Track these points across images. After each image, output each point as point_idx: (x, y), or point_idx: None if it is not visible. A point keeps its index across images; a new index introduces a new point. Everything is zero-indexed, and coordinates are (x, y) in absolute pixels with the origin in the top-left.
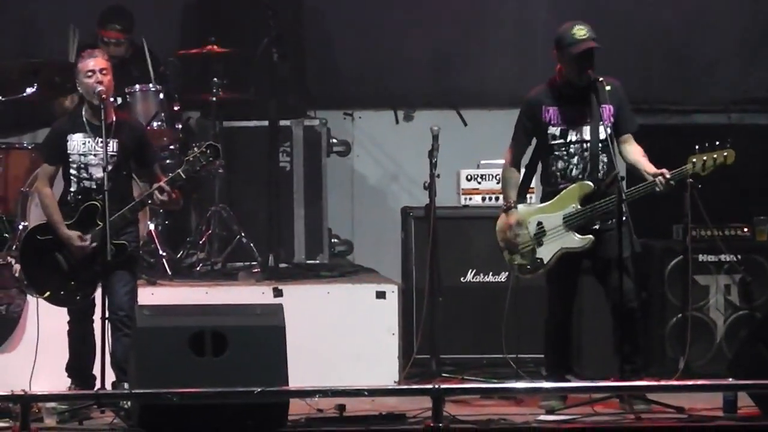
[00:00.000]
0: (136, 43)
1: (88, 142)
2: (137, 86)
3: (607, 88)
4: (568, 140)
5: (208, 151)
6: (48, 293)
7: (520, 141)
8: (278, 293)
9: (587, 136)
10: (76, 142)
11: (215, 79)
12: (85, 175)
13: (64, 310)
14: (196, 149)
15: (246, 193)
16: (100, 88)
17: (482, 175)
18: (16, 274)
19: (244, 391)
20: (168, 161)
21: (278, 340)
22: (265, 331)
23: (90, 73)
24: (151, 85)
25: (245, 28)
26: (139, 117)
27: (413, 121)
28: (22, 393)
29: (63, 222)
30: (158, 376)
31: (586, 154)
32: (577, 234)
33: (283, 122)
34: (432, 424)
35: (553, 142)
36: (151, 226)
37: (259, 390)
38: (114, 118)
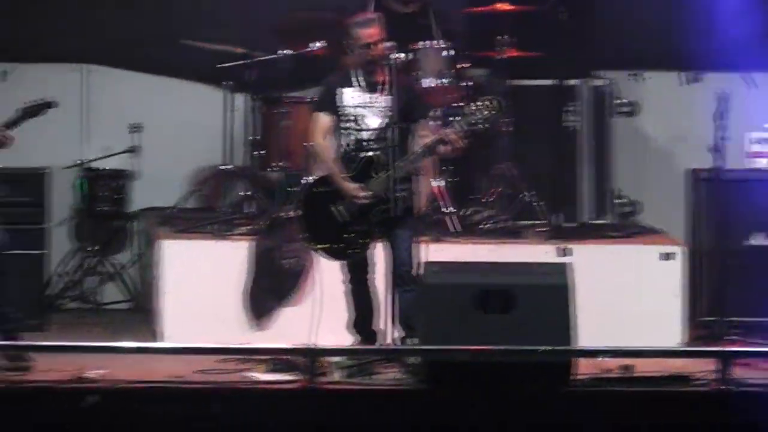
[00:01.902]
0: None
1: (360, 95)
2: (424, 42)
3: None
4: None
5: (490, 104)
6: (323, 245)
7: None
8: (564, 252)
9: None
10: (348, 95)
11: (503, 36)
12: (358, 127)
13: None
14: (479, 103)
15: (533, 151)
16: (374, 60)
17: None
18: None
19: (529, 349)
20: (453, 118)
21: (564, 299)
22: (552, 290)
23: (366, 45)
24: (438, 41)
25: None
26: (425, 73)
27: (700, 82)
28: (310, 347)
29: (342, 174)
30: (445, 333)
31: None
32: None
33: (570, 81)
34: (720, 387)
35: None
36: (438, 183)
37: (544, 349)
38: (385, 76)
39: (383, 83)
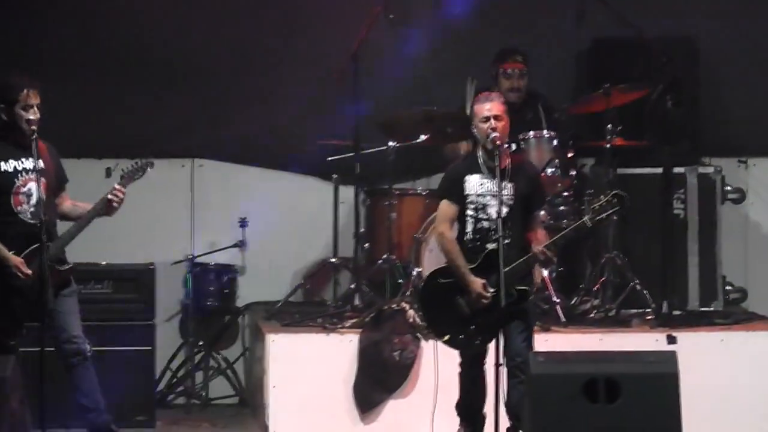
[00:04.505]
0: (530, 89)
1: (485, 183)
2: (531, 132)
3: None
4: None
5: (615, 200)
6: (447, 337)
7: None
8: (672, 340)
9: None
10: (473, 183)
11: (609, 126)
12: (482, 215)
13: (455, 355)
14: (602, 197)
15: (640, 240)
16: (494, 134)
17: None
18: (410, 320)
19: None
20: (562, 208)
21: (672, 388)
22: (659, 379)
23: (485, 119)
24: (545, 131)
25: (639, 74)
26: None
27: None
28: None
29: (467, 267)
30: (552, 423)
31: None
32: None
33: (677, 169)
34: None
35: None
36: (545, 273)
37: None
38: (508, 162)
39: (508, 170)
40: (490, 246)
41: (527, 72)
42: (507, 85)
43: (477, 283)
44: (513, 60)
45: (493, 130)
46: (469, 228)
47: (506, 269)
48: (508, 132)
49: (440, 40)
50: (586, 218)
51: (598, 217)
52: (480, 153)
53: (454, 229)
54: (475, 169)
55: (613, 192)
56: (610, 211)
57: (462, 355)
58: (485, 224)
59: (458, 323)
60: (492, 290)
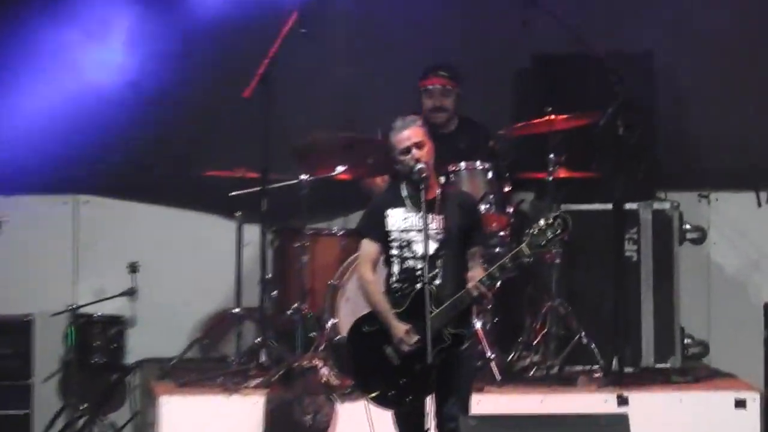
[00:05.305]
0: (462, 115)
1: (410, 217)
2: (463, 164)
3: None
4: None
5: (556, 223)
6: (375, 393)
7: None
8: (623, 401)
9: None
10: (396, 218)
11: (552, 155)
12: (408, 253)
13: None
14: (542, 221)
15: (587, 286)
16: (419, 166)
17: None
18: (324, 379)
19: None
20: (498, 249)
21: None
22: None
23: (405, 150)
24: (478, 162)
25: (587, 96)
26: None
27: None
28: None
29: (391, 311)
30: None
31: None
32: None
33: (629, 205)
34: None
35: None
36: (478, 325)
37: None
38: (439, 192)
39: (437, 201)
40: (419, 287)
41: (453, 89)
42: (429, 104)
43: (399, 328)
44: (434, 75)
45: (417, 161)
46: (395, 269)
47: (436, 311)
48: (435, 161)
49: (364, 58)
50: (523, 245)
51: (537, 242)
52: (403, 186)
53: (380, 271)
54: (397, 203)
55: (556, 214)
56: (552, 237)
57: (399, 422)
58: (411, 263)
59: (387, 377)
60: (417, 337)
